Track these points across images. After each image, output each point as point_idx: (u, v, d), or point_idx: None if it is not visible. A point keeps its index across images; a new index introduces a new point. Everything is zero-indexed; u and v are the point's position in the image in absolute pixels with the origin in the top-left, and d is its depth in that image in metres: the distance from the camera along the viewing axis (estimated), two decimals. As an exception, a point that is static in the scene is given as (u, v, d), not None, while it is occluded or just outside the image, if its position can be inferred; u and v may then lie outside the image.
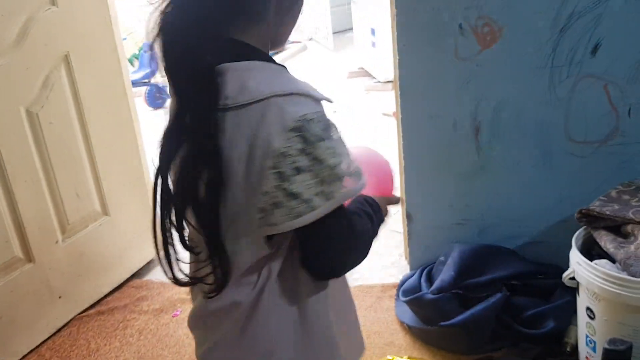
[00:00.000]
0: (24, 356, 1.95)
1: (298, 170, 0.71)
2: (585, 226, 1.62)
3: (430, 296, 1.82)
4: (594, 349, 1.54)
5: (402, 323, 1.93)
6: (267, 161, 0.71)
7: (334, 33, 7.20)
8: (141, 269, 2.41)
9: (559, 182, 1.87)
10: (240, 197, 0.75)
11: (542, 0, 1.69)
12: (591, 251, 1.57)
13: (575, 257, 1.53)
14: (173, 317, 2.09)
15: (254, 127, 0.72)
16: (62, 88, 2.00)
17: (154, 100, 5.15)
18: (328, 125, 0.75)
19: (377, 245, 2.39)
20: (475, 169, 1.92)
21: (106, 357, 1.92)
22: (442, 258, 1.96)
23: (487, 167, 1.91)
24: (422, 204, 2.04)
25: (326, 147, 0.72)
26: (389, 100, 4.73)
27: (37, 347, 1.99)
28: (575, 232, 1.61)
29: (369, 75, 5.42)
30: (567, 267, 1.58)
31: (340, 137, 0.76)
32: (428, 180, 2.00)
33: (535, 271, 1.86)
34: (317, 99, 0.76)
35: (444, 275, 1.85)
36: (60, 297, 2.06)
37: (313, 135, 0.72)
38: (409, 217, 2.06)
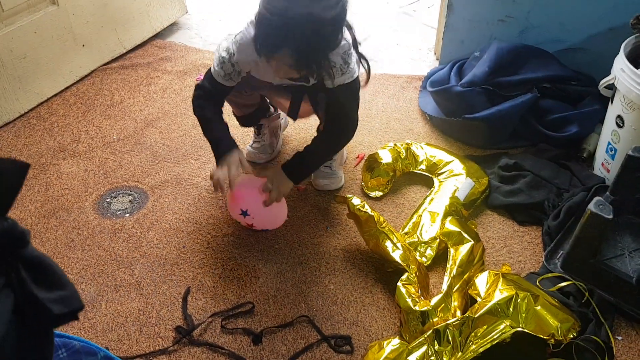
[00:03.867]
0: (49, 98, 1.97)
1: None
2: (637, 34, 1.55)
3: (458, 89, 1.80)
4: (612, 157, 1.56)
5: (423, 113, 1.93)
6: None
7: None
8: (164, 29, 2.34)
9: (618, -14, 1.75)
10: None
11: None
12: (637, 60, 1.52)
13: (620, 63, 1.48)
14: (197, 80, 2.08)
15: None
16: None
17: None
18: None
19: (405, 37, 2.33)
20: (533, -39, 1.78)
21: (131, 109, 1.95)
22: (477, 54, 1.90)
23: (546, -41, 1.76)
24: (466, -5, 1.92)
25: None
26: None
27: (62, 91, 2.01)
28: (621, 42, 1.54)
29: None
30: (602, 77, 1.54)
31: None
32: (478, -32, 1.85)
33: (569, 77, 1.81)
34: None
35: (477, 70, 1.80)
36: (83, 45, 2.03)
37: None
38: (449, 7, 1.95)
